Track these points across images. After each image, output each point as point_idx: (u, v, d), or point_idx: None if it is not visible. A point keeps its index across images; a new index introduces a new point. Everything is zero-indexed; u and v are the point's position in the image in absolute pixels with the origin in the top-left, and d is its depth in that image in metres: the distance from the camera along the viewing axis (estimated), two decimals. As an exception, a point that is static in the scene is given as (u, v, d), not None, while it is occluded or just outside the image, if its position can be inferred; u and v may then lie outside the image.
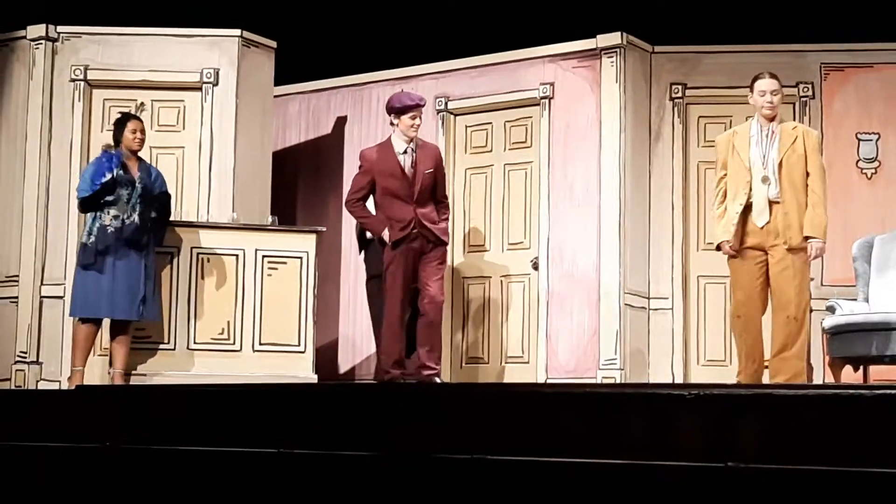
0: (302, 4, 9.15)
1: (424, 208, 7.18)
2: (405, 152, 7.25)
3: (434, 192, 7.29)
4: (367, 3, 9.07)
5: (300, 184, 9.61)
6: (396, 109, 7.27)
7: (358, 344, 9.14)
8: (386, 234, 7.16)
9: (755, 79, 6.49)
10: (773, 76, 6.46)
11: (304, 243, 7.94)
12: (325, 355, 8.84)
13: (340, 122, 9.51)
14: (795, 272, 6.29)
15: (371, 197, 7.41)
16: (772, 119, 6.43)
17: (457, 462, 3.86)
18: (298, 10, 9.19)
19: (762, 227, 6.34)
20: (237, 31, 8.63)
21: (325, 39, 9.36)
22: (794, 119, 8.12)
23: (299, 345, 7.87)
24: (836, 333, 7.16)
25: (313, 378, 7.80)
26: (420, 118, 7.31)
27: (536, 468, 3.74)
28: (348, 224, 9.26)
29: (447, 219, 7.38)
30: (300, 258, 7.93)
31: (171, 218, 7.63)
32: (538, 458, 3.70)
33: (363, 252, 8.21)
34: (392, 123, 7.34)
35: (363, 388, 6.97)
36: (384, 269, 7.22)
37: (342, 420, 4.32)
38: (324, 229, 8.30)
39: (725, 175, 6.51)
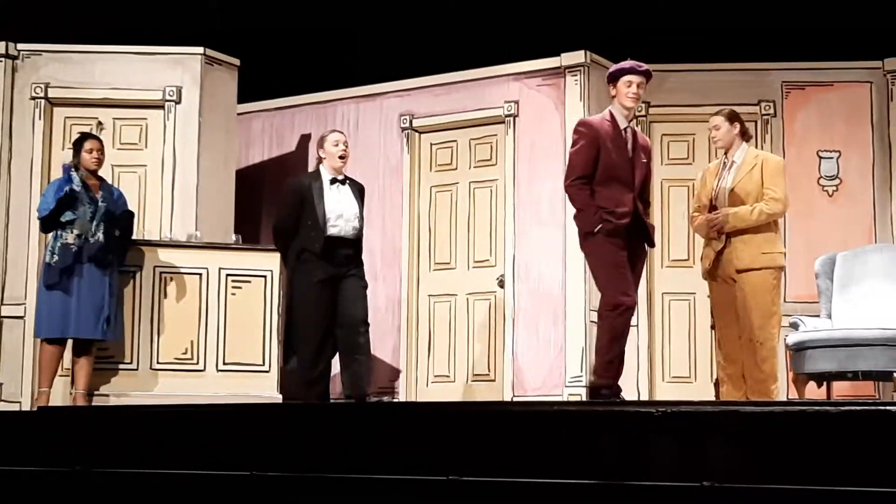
0: (265, 22, 9.13)
1: (639, 200, 6.12)
2: (625, 130, 6.19)
3: (644, 188, 6.26)
4: (331, 21, 9.06)
5: (264, 202, 9.56)
6: (611, 75, 6.26)
7: (323, 363, 9.07)
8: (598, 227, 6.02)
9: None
10: (718, 113, 6.61)
11: (269, 262, 7.89)
12: (290, 375, 8.77)
13: (304, 139, 9.48)
14: (754, 296, 6.33)
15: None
16: (727, 149, 6.54)
17: (425, 483, 3.84)
18: (262, 27, 9.16)
19: (721, 255, 6.41)
20: (200, 49, 8.60)
21: (288, 57, 9.34)
22: (756, 136, 8.19)
23: (264, 364, 7.82)
24: (799, 350, 7.20)
25: (278, 398, 7.76)
26: (641, 87, 6.18)
27: (504, 489, 3.73)
28: (313, 242, 9.23)
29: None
30: (264, 277, 7.89)
31: (134, 236, 7.58)
32: (505, 478, 3.68)
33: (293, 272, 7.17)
34: (611, 96, 6.28)
35: (328, 407, 6.93)
36: (598, 257, 6.05)
37: (308, 440, 4.28)
38: (288, 248, 8.25)
39: (699, 207, 6.65)
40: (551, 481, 3.65)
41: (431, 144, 9.03)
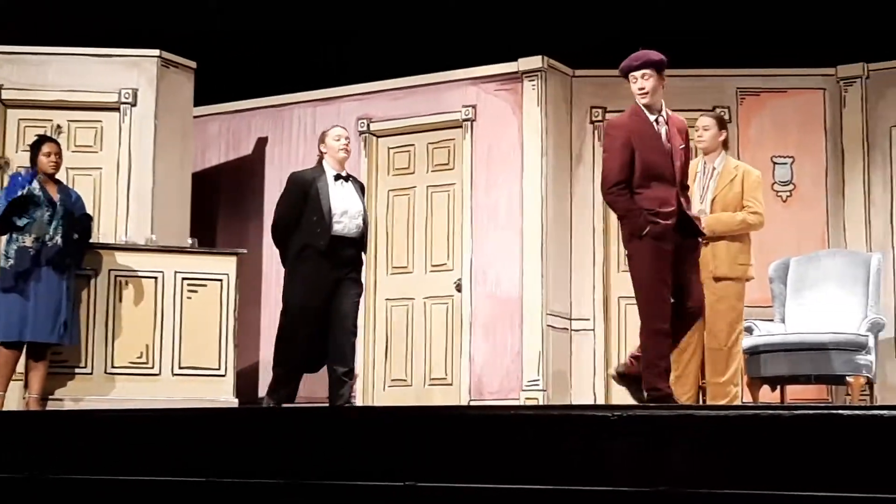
0: (222, 25, 9.08)
1: (683, 195, 5.78)
2: (657, 121, 5.78)
3: (683, 173, 5.88)
4: (289, 24, 9.03)
5: (220, 205, 9.52)
6: (623, 73, 5.88)
7: (279, 367, 9.03)
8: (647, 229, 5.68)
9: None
10: (706, 114, 6.74)
11: (225, 266, 7.86)
12: (246, 379, 8.73)
13: (261, 142, 9.45)
14: (727, 304, 6.44)
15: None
16: (708, 153, 6.62)
17: (382, 489, 3.83)
18: (218, 30, 9.11)
19: None
20: (156, 52, 8.55)
21: (245, 59, 9.30)
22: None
23: (219, 368, 7.78)
24: (753, 354, 7.27)
25: (234, 402, 7.72)
26: (648, 79, 5.74)
27: (461, 494, 3.73)
28: (269, 245, 9.18)
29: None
30: (220, 280, 7.86)
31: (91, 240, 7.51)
32: (463, 483, 3.68)
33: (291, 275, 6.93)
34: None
35: (285, 412, 6.91)
36: (641, 264, 5.69)
37: (264, 445, 4.27)
38: (244, 251, 8.22)
39: None
40: (508, 487, 3.65)
41: (389, 148, 9.02)
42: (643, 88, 5.74)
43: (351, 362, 6.72)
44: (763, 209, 6.54)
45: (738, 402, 6.55)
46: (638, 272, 5.69)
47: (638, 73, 5.75)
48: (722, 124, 6.67)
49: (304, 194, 6.68)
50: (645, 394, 5.63)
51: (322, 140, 6.88)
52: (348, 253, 6.72)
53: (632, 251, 5.76)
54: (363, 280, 7.04)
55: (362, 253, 6.87)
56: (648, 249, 5.63)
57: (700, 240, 5.82)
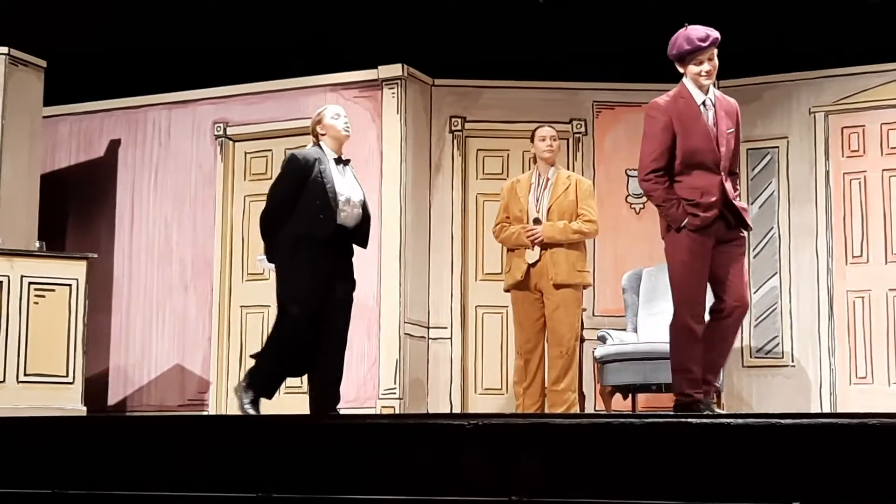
0: (74, 23, 8.83)
1: (728, 182, 5.34)
2: (703, 104, 5.36)
3: (735, 158, 5.45)
4: (144, 25, 8.83)
5: (70, 208, 9.26)
6: (676, 58, 5.40)
7: (130, 374, 8.85)
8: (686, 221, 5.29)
9: (535, 129, 6.90)
10: (550, 127, 6.91)
11: (74, 270, 7.68)
12: (95, 386, 8.52)
13: (114, 145, 9.23)
14: (567, 310, 6.62)
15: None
16: (551, 164, 6.81)
17: (234, 501, 3.77)
18: (70, 28, 8.86)
19: (534, 267, 6.64)
20: (4, 49, 8.28)
21: (98, 60, 9.06)
22: (568, 154, 8.43)
23: (67, 375, 7.61)
24: (606, 362, 7.39)
25: (82, 410, 7.55)
26: (713, 59, 5.31)
27: None
28: (121, 250, 9.00)
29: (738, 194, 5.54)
30: (69, 285, 7.68)
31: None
32: (318, 494, 3.64)
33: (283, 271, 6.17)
34: (681, 73, 5.45)
35: (133, 420, 6.75)
36: (677, 258, 5.32)
37: (113, 454, 4.15)
38: (95, 256, 8.06)
39: (507, 218, 6.83)
40: (364, 497, 3.63)
41: (246, 153, 8.91)
42: (709, 71, 5.28)
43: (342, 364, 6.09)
44: (596, 217, 6.81)
45: (576, 409, 6.70)
46: (672, 266, 5.31)
47: (704, 55, 5.27)
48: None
49: (304, 178, 5.96)
50: (674, 398, 5.28)
51: (319, 120, 6.16)
52: (346, 245, 6.09)
53: (667, 244, 5.37)
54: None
55: (359, 246, 6.20)
56: (686, 243, 5.24)
57: (743, 233, 5.35)
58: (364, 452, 3.73)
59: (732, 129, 5.35)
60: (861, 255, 8.18)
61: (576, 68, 8.47)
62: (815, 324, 8.21)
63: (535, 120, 7.61)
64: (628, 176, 8.56)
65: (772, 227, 8.40)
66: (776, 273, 8.35)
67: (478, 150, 8.72)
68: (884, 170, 8.15)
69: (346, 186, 6.06)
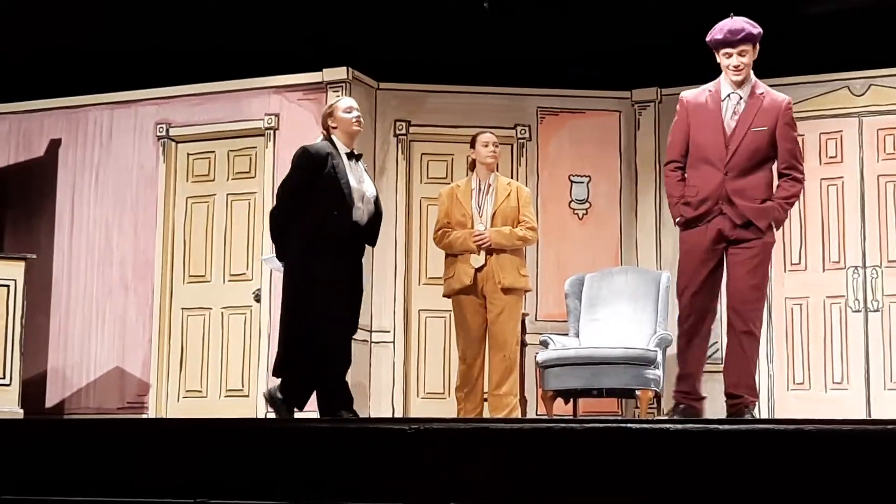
0: (13, 19, 8.71)
1: (740, 180, 5.15)
2: (729, 97, 5.24)
3: (763, 158, 5.20)
4: (85, 23, 8.73)
5: (9, 208, 9.13)
6: (711, 46, 5.29)
7: (69, 376, 8.74)
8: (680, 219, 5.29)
9: (477, 135, 6.86)
10: (491, 133, 6.89)
11: (12, 271, 7.60)
12: (33, 388, 8.41)
13: (54, 144, 9.11)
14: (510, 314, 6.67)
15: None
16: (492, 170, 6.84)
17: None
18: (9, 25, 8.73)
19: (478, 271, 6.64)
20: (-59, 45, 8.17)
21: (39, 59, 8.94)
22: (512, 159, 8.47)
23: (4, 377, 7.54)
24: (548, 367, 7.42)
25: (19, 412, 7.45)
26: (745, 55, 5.19)
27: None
28: (60, 251, 8.89)
29: (788, 198, 5.24)
30: (7, 286, 7.62)
31: None
32: (259, 500, 3.62)
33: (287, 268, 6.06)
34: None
35: (72, 423, 6.66)
36: (679, 253, 5.30)
37: (52, 458, 4.10)
38: (34, 256, 7.96)
39: (449, 224, 6.82)
40: (303, 503, 3.61)
41: (188, 154, 8.84)
42: (738, 66, 5.16)
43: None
44: (536, 224, 6.87)
45: (517, 414, 6.73)
46: (679, 261, 5.27)
47: (735, 50, 5.17)
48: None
49: (317, 172, 5.73)
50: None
51: (330, 113, 6.01)
52: (358, 244, 5.86)
53: (679, 241, 5.36)
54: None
55: (367, 244, 5.99)
56: (682, 240, 5.23)
57: (758, 235, 5.17)
58: (304, 456, 3.72)
59: (764, 128, 5.18)
60: (799, 263, 8.29)
61: (521, 74, 8.52)
62: (753, 330, 8.29)
63: (479, 125, 7.62)
64: (571, 182, 8.62)
65: (712, 234, 8.48)
66: (716, 279, 8.43)
67: (422, 153, 8.73)
68: (822, 179, 8.26)
69: (360, 183, 5.88)
